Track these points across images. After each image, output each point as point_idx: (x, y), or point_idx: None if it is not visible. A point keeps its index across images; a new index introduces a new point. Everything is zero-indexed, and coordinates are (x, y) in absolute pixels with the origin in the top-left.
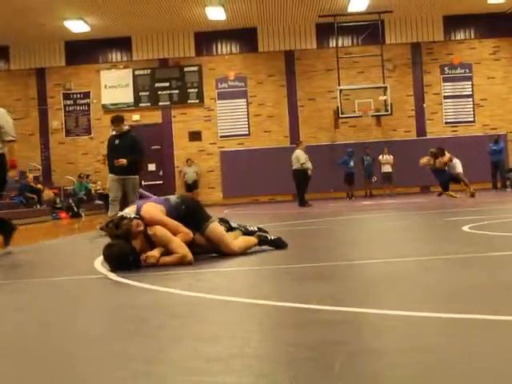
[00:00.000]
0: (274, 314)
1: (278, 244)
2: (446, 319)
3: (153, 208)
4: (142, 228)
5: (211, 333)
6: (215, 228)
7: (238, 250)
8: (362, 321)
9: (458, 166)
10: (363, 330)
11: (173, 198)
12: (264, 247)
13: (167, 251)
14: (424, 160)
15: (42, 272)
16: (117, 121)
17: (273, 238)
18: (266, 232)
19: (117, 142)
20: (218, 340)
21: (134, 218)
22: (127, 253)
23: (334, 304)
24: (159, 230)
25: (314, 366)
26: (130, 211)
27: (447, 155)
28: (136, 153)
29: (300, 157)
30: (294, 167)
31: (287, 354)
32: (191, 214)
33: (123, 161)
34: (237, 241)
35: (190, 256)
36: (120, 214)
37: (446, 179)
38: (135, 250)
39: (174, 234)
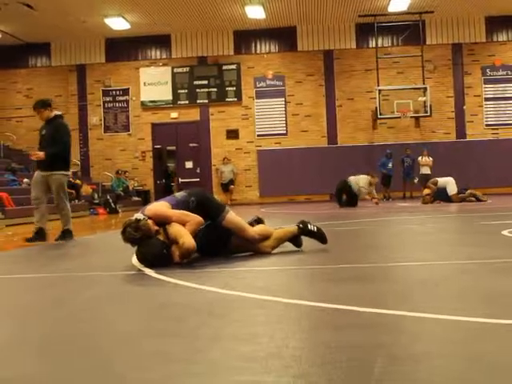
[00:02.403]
0: (313, 315)
1: (319, 236)
2: (485, 324)
3: (154, 205)
4: (156, 227)
5: (250, 332)
6: (232, 217)
7: (257, 236)
8: (400, 324)
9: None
10: (401, 334)
11: (179, 193)
12: (300, 247)
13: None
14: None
15: (79, 267)
16: (35, 107)
17: (314, 229)
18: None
19: (43, 131)
20: (257, 340)
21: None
22: (160, 247)
23: (372, 306)
24: (170, 229)
25: (352, 369)
26: (139, 214)
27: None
28: (56, 144)
29: (363, 190)
30: (353, 188)
31: (326, 355)
32: (203, 205)
33: (38, 154)
34: (256, 227)
35: (187, 242)
36: (133, 218)
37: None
38: (165, 244)
39: (182, 223)
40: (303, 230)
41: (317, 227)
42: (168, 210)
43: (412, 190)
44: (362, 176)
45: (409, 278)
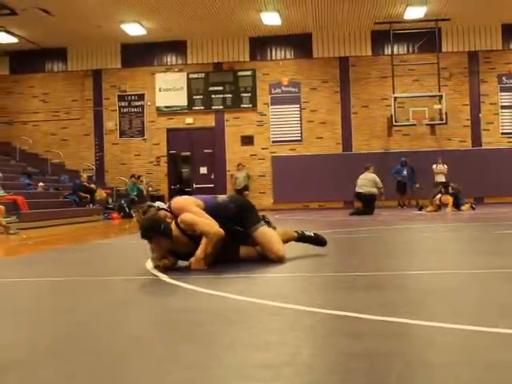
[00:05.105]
0: (326, 323)
1: (318, 241)
2: (500, 334)
3: (182, 200)
4: (169, 220)
5: (263, 339)
6: (265, 232)
7: (283, 258)
8: (415, 332)
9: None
10: (416, 342)
11: (222, 196)
12: (313, 252)
13: (198, 235)
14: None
15: (94, 271)
16: None
17: (311, 234)
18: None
19: None
20: (271, 347)
21: (163, 209)
22: (158, 220)
23: (386, 314)
24: (184, 215)
25: (366, 377)
26: (161, 203)
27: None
28: None
29: (378, 181)
30: (370, 191)
31: (339, 363)
32: (242, 212)
33: None
34: (282, 247)
35: (214, 228)
36: (151, 203)
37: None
38: (167, 223)
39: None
40: (301, 236)
41: (313, 232)
42: (193, 207)
43: (417, 198)
44: (366, 176)
45: (424, 287)
